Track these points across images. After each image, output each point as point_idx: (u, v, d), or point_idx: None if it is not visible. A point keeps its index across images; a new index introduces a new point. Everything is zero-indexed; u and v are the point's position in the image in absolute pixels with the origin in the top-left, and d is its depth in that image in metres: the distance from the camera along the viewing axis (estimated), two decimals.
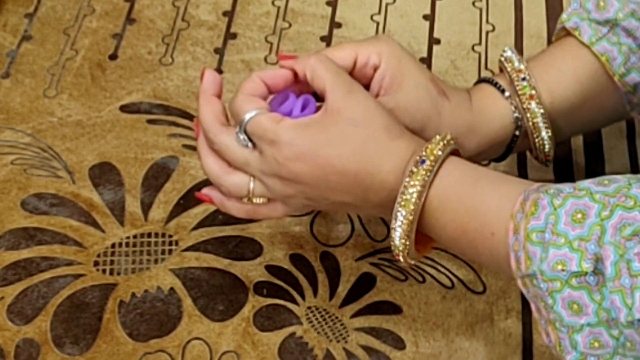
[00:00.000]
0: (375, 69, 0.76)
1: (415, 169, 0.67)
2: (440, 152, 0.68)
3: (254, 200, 0.75)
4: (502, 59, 0.81)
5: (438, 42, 1.07)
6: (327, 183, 0.70)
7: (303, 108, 0.73)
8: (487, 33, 1.08)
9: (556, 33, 0.84)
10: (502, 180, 0.68)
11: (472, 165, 0.70)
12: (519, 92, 0.79)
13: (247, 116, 0.71)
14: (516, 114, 0.80)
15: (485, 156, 0.82)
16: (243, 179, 0.74)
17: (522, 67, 0.80)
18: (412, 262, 0.71)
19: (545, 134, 0.80)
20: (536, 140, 0.80)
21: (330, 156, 0.69)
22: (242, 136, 0.72)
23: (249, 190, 0.74)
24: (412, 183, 0.67)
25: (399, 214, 0.68)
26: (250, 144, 0.72)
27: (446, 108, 0.77)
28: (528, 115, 0.79)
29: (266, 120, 0.71)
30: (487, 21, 1.10)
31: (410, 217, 0.67)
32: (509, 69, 0.80)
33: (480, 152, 0.80)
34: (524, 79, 0.79)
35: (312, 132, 0.70)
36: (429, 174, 0.67)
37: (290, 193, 0.72)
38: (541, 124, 0.79)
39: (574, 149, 0.96)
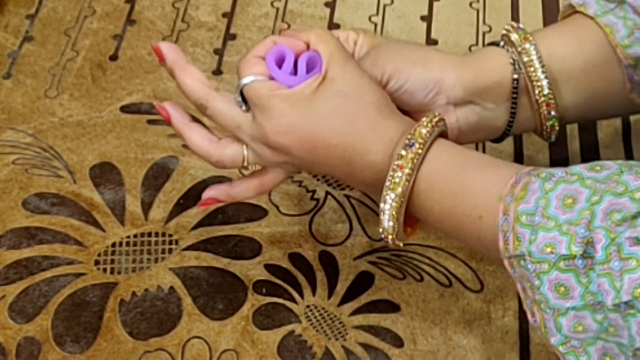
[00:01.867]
0: (355, 43, 0.78)
1: (403, 152, 0.67)
2: (428, 135, 0.68)
3: (250, 168, 0.75)
4: (508, 27, 0.80)
5: (435, 42, 1.07)
6: (315, 156, 0.71)
7: (309, 69, 0.72)
8: (484, 34, 1.09)
9: (562, 12, 0.83)
10: (490, 164, 0.68)
11: (460, 148, 0.70)
12: (513, 39, 0.78)
13: (245, 80, 0.71)
14: (513, 56, 0.78)
15: (489, 101, 0.79)
16: (236, 149, 0.74)
17: (518, 24, 0.79)
18: (401, 244, 0.72)
19: (542, 74, 0.77)
20: (536, 90, 0.77)
21: (319, 129, 0.69)
22: (238, 97, 0.72)
23: (243, 157, 0.74)
24: (400, 166, 0.67)
25: (387, 197, 0.68)
26: (244, 106, 0.72)
27: (433, 49, 0.79)
28: (525, 58, 0.77)
29: (262, 88, 0.71)
30: (484, 22, 1.10)
31: (399, 201, 0.68)
32: (504, 27, 0.80)
33: (481, 92, 0.78)
34: (519, 28, 0.79)
35: (303, 104, 0.70)
36: (417, 157, 0.67)
37: (278, 161, 0.73)
38: (537, 64, 0.77)
39: (571, 149, 0.96)
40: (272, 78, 0.72)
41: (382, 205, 0.69)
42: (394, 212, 0.68)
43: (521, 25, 0.79)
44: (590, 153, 0.96)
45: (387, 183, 0.68)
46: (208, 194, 0.78)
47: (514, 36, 0.78)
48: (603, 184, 0.59)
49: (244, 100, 0.72)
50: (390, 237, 0.70)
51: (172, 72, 0.75)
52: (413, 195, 0.69)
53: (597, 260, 0.57)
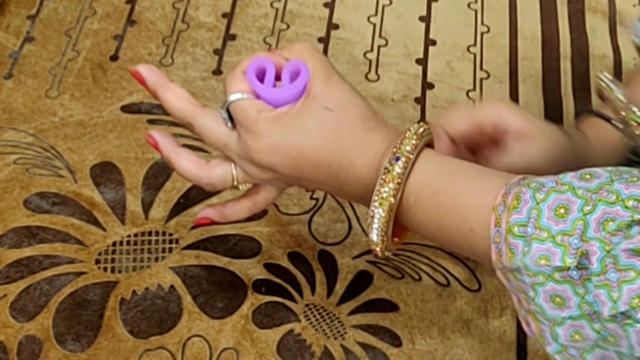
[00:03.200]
0: (496, 126, 0.77)
1: (390, 166, 0.67)
2: (414, 148, 0.67)
3: (241, 187, 0.75)
4: (602, 85, 0.81)
5: (434, 43, 1.08)
6: (301, 173, 0.70)
7: (293, 78, 0.71)
8: (482, 34, 1.09)
9: None
10: (479, 175, 0.67)
11: (447, 158, 0.69)
12: (627, 120, 0.80)
13: (232, 97, 0.70)
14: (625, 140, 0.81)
15: None
16: (225, 170, 0.73)
17: (623, 98, 0.81)
18: (390, 255, 0.72)
19: None
20: None
21: (303, 147, 0.69)
22: (225, 114, 0.71)
23: (233, 177, 0.73)
24: (387, 180, 0.67)
25: (375, 212, 0.67)
26: (230, 124, 0.71)
27: (570, 147, 0.79)
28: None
29: (249, 108, 0.70)
30: (482, 22, 1.11)
31: (387, 216, 0.67)
32: (612, 99, 0.81)
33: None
34: (628, 107, 0.80)
35: (288, 122, 0.69)
36: (404, 171, 0.67)
37: (267, 178, 0.72)
38: None
39: None
40: (255, 92, 0.71)
41: (370, 219, 0.68)
42: (382, 227, 0.68)
43: (633, 108, 0.80)
44: None
45: (375, 198, 0.67)
46: (202, 214, 0.78)
47: (628, 118, 0.80)
48: (595, 193, 0.58)
49: (230, 116, 0.71)
50: (378, 249, 0.70)
51: (155, 93, 0.74)
52: (402, 209, 0.68)
53: (593, 272, 0.56)
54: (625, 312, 0.55)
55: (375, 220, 0.68)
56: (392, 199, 0.67)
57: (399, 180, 0.67)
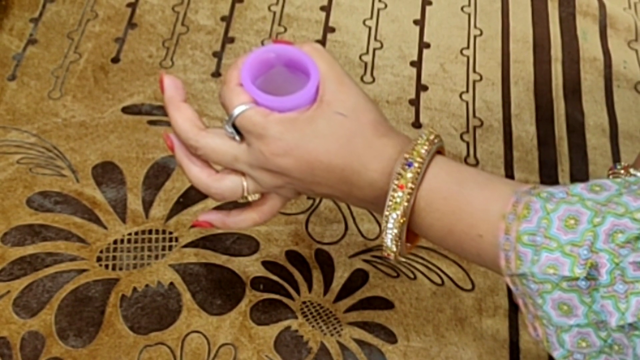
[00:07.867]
0: None
1: (402, 172, 0.67)
2: (426, 153, 0.67)
3: (250, 198, 0.74)
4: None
5: (428, 46, 1.09)
6: (313, 177, 0.70)
7: (293, 65, 0.71)
8: (475, 37, 1.10)
9: None
10: (488, 182, 0.67)
11: (458, 165, 0.69)
12: None
13: (237, 111, 0.69)
14: None
15: None
16: (235, 181, 0.72)
17: None
18: (403, 260, 0.71)
19: None
20: None
21: (317, 151, 0.68)
22: (230, 129, 0.70)
23: (243, 188, 0.72)
24: (400, 185, 0.67)
25: (390, 217, 0.67)
26: (237, 137, 0.70)
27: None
28: None
29: (255, 115, 0.69)
30: (475, 26, 1.11)
31: (401, 220, 0.67)
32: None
33: None
34: None
35: (300, 126, 0.68)
36: (417, 176, 0.66)
37: (278, 184, 0.71)
38: None
39: (559, 150, 0.97)
40: (256, 101, 0.70)
41: (384, 224, 0.68)
42: (396, 232, 0.68)
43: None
44: (579, 154, 0.97)
45: (389, 203, 0.67)
46: (204, 217, 0.76)
47: None
48: (604, 205, 0.58)
49: (237, 131, 0.70)
50: (392, 254, 0.70)
51: (166, 108, 0.73)
52: (413, 213, 0.68)
53: (602, 283, 0.57)
54: (632, 323, 0.56)
55: (390, 225, 0.68)
56: (405, 204, 0.67)
57: (412, 185, 0.66)
